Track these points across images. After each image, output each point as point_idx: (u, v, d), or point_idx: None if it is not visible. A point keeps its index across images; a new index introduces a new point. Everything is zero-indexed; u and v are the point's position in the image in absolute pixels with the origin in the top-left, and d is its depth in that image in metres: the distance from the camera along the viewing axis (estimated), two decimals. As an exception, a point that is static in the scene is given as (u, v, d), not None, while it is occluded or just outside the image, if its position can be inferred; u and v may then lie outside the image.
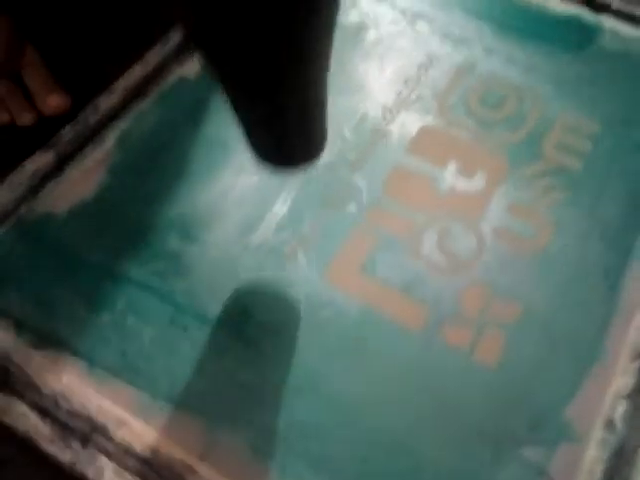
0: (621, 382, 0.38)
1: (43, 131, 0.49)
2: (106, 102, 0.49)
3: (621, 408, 0.37)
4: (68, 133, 0.48)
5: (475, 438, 0.36)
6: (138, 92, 0.50)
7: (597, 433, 0.37)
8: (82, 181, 0.46)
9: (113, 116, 0.49)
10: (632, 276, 0.42)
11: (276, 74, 0.27)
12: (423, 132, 0.49)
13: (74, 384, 0.38)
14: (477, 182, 0.46)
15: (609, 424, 0.37)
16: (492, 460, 0.36)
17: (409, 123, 0.49)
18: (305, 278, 0.42)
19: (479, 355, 0.39)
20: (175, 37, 0.53)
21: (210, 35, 0.25)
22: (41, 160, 0.46)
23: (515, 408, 0.37)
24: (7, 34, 0.51)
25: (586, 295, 0.42)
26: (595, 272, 0.42)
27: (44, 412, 0.37)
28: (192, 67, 0.52)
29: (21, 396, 0.37)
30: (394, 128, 0.49)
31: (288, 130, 0.32)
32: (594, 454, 0.36)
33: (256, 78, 0.28)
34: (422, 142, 0.48)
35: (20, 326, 0.40)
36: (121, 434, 0.36)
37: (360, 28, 0.55)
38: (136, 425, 0.36)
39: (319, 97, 0.31)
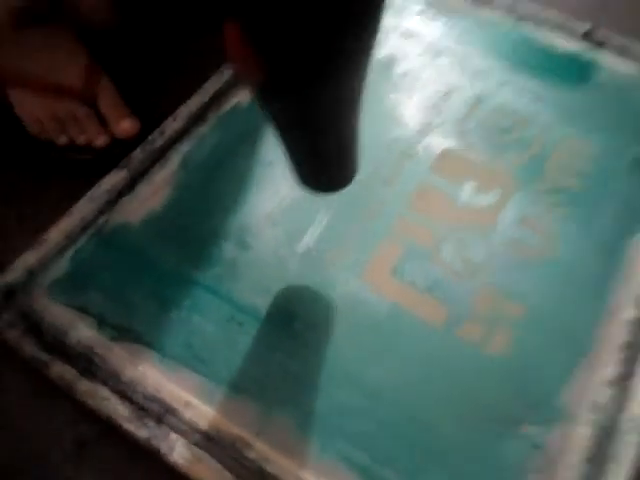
0: (608, 371, 0.40)
1: (115, 151, 0.50)
2: (171, 127, 0.51)
3: (607, 393, 0.39)
4: (138, 154, 0.49)
5: (484, 417, 0.38)
6: (198, 118, 0.52)
7: (586, 414, 0.38)
8: (151, 196, 0.47)
9: (177, 139, 0.50)
10: (619, 281, 0.43)
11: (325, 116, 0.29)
12: (445, 154, 0.50)
13: (148, 372, 0.39)
14: (490, 198, 0.47)
15: (597, 406, 0.38)
16: (498, 435, 0.37)
17: (433, 146, 0.50)
18: (343, 281, 0.43)
19: (489, 347, 0.41)
20: (229, 69, 0.54)
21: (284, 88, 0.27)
22: (116, 178, 0.48)
23: (518, 392, 0.39)
24: (85, 65, 0.51)
25: (581, 297, 0.43)
26: (589, 276, 0.44)
27: (123, 396, 0.38)
28: (245, 95, 0.53)
29: (103, 383, 0.39)
30: (420, 150, 0.50)
31: (326, 163, 0.34)
32: (583, 432, 0.37)
33: (311, 117, 0.29)
34: (443, 163, 0.49)
35: (101, 322, 0.41)
36: (189, 414, 0.38)
37: (389, 61, 0.56)
38: (201, 407, 0.38)
39: (353, 138, 0.33)
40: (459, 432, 0.38)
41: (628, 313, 0.42)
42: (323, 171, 0.35)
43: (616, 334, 0.41)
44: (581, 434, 0.37)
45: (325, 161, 0.34)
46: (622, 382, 0.39)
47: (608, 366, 0.40)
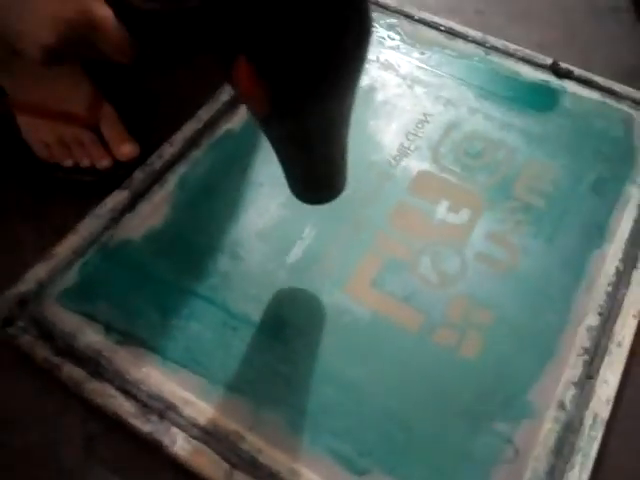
0: (571, 372, 0.44)
1: (118, 173, 0.54)
2: (168, 151, 0.55)
3: (570, 392, 0.43)
4: (139, 176, 0.53)
5: (458, 415, 0.42)
6: (192, 143, 0.56)
7: (552, 411, 0.42)
8: (151, 214, 0.51)
9: (174, 162, 0.54)
10: (582, 291, 0.48)
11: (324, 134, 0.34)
12: (420, 176, 0.54)
13: (151, 373, 0.43)
14: (462, 217, 0.52)
15: (561, 404, 0.42)
16: (471, 431, 0.41)
17: (409, 168, 0.55)
18: (328, 291, 0.47)
19: (462, 351, 0.45)
20: (221, 97, 0.59)
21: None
22: (119, 197, 0.52)
23: (490, 392, 0.43)
24: (89, 94, 0.55)
25: (546, 305, 0.47)
26: (553, 287, 0.48)
27: (129, 394, 0.42)
28: (236, 121, 0.57)
29: (110, 382, 0.42)
30: (397, 172, 0.54)
31: (319, 178, 0.39)
32: (549, 427, 0.41)
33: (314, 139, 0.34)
34: (419, 184, 0.54)
35: (108, 328, 0.45)
36: (188, 411, 0.41)
37: (370, 90, 0.60)
38: (199, 404, 0.42)
39: (342, 156, 0.38)
40: (435, 428, 0.42)
41: (590, 320, 0.46)
42: (316, 184, 0.40)
43: (579, 339, 0.45)
44: (547, 429, 0.41)
45: (318, 175, 0.39)
46: (585, 382, 0.43)
47: (572, 368, 0.44)
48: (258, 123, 0.34)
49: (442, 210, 0.52)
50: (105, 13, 0.40)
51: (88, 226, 0.50)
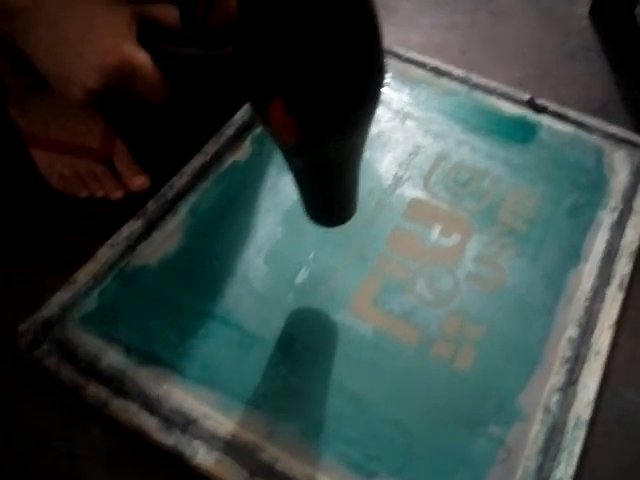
0: (555, 379, 0.48)
1: (130, 204, 0.58)
2: (178, 182, 0.58)
3: (555, 397, 0.47)
4: (152, 205, 0.57)
5: (455, 421, 0.46)
6: (201, 175, 0.60)
7: (539, 415, 0.47)
8: (165, 241, 0.55)
9: (185, 192, 0.58)
10: (563, 305, 0.53)
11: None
12: (414, 203, 0.59)
13: (172, 390, 0.46)
14: (453, 240, 0.56)
15: (547, 408, 0.47)
16: (468, 435, 0.46)
17: (404, 196, 0.59)
18: (333, 309, 0.51)
19: (457, 363, 0.49)
20: (226, 131, 0.63)
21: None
22: (133, 226, 0.55)
23: (483, 399, 0.47)
24: (102, 129, 0.59)
25: (531, 319, 0.52)
26: (537, 302, 0.53)
27: (151, 410, 0.45)
28: (242, 153, 0.62)
29: (133, 400, 0.46)
30: (393, 199, 0.59)
31: (333, 204, 0.44)
32: (537, 429, 0.46)
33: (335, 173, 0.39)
34: (413, 210, 0.58)
35: (129, 350, 0.48)
36: (208, 424, 0.45)
37: (364, 125, 0.65)
38: (218, 417, 0.45)
39: (355, 185, 0.42)
40: (435, 433, 0.46)
41: (570, 332, 0.51)
42: (330, 209, 0.44)
43: (561, 349, 0.50)
44: (536, 431, 0.46)
45: (332, 202, 0.43)
46: (567, 388, 0.48)
47: (556, 375, 0.49)
48: (282, 153, 0.39)
49: (435, 234, 0.57)
50: (145, 59, 0.44)
51: (106, 253, 0.53)
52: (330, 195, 0.42)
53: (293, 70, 0.32)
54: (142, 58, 0.44)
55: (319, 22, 0.30)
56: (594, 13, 0.82)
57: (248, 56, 0.33)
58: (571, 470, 0.44)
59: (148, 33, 0.45)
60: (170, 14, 0.47)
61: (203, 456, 0.43)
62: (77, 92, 0.44)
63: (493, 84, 0.69)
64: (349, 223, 0.46)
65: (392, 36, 0.77)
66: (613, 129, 0.66)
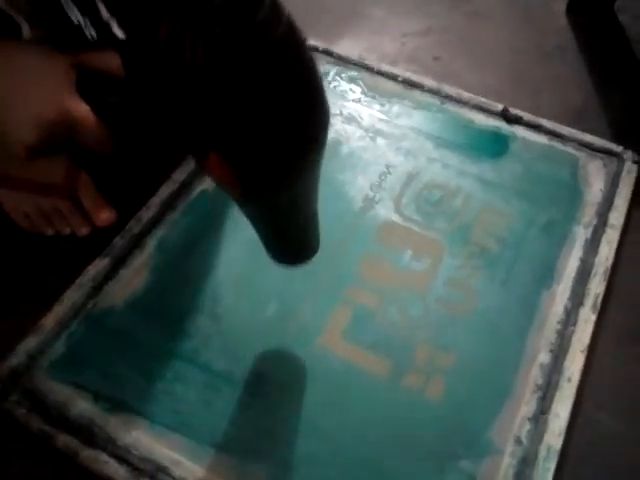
0: (525, 409, 0.48)
1: (98, 239, 0.57)
2: (145, 215, 0.58)
3: (526, 427, 0.48)
4: (119, 241, 0.56)
5: (425, 456, 0.46)
6: (168, 206, 0.59)
7: (509, 446, 0.47)
8: (132, 279, 0.55)
9: (152, 225, 0.58)
10: (535, 329, 0.52)
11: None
12: (385, 226, 0.59)
13: (141, 437, 0.47)
14: (424, 264, 0.56)
15: (517, 440, 0.47)
16: (438, 471, 0.46)
17: (375, 219, 0.59)
18: (303, 343, 0.51)
19: (428, 393, 0.49)
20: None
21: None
22: (99, 265, 0.55)
23: (453, 431, 0.47)
24: (66, 165, 0.58)
25: (502, 344, 0.52)
26: (508, 327, 0.53)
27: (121, 459, 0.46)
28: (209, 183, 0.61)
29: (103, 449, 0.46)
30: (364, 223, 0.59)
31: (292, 244, 0.44)
32: (508, 461, 0.46)
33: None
34: (385, 234, 0.58)
35: (96, 397, 0.48)
36: (178, 471, 0.45)
37: (335, 144, 0.64)
38: (188, 465, 0.46)
39: (311, 223, 0.42)
40: (405, 470, 0.46)
41: (542, 358, 0.51)
42: (291, 249, 0.44)
43: (532, 376, 0.50)
44: (506, 464, 0.46)
45: (292, 241, 0.43)
46: (539, 417, 0.48)
47: (526, 405, 0.48)
48: (234, 201, 0.38)
49: (406, 258, 0.56)
50: (84, 111, 0.44)
51: (71, 296, 0.53)
52: (288, 236, 0.42)
53: (224, 123, 0.30)
54: (82, 110, 0.44)
55: (248, 75, 0.28)
56: (572, 10, 0.81)
57: (178, 108, 0.31)
58: (542, 504, 0.44)
59: (89, 83, 0.44)
60: (112, 62, 0.46)
61: (173, 505, 0.44)
62: (17, 148, 0.44)
63: (466, 95, 0.69)
64: (319, 252, 0.45)
65: (363, 44, 0.76)
66: (588, 137, 0.65)
